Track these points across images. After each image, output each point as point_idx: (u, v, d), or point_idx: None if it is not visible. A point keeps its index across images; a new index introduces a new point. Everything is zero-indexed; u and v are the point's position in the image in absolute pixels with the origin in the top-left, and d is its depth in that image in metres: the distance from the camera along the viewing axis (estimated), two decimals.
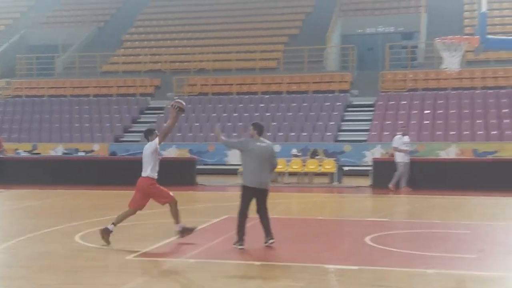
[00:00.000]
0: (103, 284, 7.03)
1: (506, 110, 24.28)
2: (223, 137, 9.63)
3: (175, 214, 9.81)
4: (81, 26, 37.09)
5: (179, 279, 7.32)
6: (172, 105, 9.85)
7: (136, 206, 9.90)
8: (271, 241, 9.15)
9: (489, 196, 15.92)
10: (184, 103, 9.84)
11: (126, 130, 27.61)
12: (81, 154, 24.40)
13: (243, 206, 9.13)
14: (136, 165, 20.43)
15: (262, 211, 9.25)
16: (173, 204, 9.88)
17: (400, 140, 17.74)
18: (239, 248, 8.89)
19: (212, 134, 25.63)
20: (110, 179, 19.37)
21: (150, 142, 10.21)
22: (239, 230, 9.04)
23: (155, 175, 10.24)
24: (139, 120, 28.35)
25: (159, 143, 10.09)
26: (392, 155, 20.49)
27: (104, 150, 25.54)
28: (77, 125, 27.95)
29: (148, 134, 10.20)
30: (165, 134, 10.05)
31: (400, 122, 23.72)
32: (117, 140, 26.77)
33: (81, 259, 8.30)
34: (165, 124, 10.01)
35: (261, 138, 9.23)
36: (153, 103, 29.40)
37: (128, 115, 28.36)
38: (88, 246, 9.27)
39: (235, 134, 25.37)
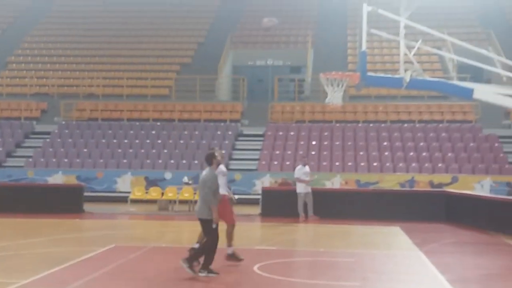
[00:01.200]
0: None
1: (386, 143, 25.60)
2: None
3: (229, 237, 10.31)
4: None
5: None
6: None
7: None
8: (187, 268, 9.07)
9: (371, 225, 16.63)
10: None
11: (9, 155, 26.38)
12: None
13: None
14: (19, 191, 19.83)
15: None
16: (230, 226, 10.35)
17: (301, 171, 18.08)
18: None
19: (101, 160, 25.06)
20: None
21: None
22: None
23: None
24: (24, 144, 27.21)
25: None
26: (281, 184, 21.01)
27: None
28: None
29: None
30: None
31: (300, 152, 24.30)
32: None
33: None
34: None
35: (207, 168, 9.50)
36: (39, 128, 28.35)
37: (12, 139, 27.16)
38: None
39: (125, 160, 24.97)
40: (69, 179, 23.70)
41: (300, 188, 17.85)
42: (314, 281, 9.07)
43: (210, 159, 9.57)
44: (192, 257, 9.30)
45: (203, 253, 9.23)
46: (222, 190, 10.19)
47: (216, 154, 9.80)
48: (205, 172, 9.48)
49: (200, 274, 9.11)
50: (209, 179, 9.31)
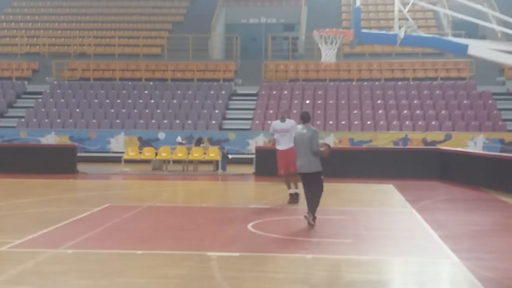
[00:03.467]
0: None
1: (380, 102, 25.54)
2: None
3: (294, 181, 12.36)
4: None
5: (56, 270, 7.10)
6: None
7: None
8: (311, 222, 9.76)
9: (365, 183, 16.72)
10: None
11: (1, 115, 26.23)
12: None
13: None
14: (12, 151, 19.78)
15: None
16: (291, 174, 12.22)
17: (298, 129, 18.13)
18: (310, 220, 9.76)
19: (94, 120, 24.95)
20: None
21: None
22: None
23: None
24: (15, 104, 27.04)
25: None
26: (274, 143, 20.98)
27: None
28: None
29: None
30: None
31: (294, 111, 24.16)
32: None
33: None
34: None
35: (302, 125, 10.20)
36: (30, 88, 28.13)
37: (3, 99, 26.96)
38: None
39: (118, 121, 24.86)
40: (62, 140, 23.64)
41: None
42: (307, 238, 9.13)
43: (308, 117, 10.34)
44: (314, 209, 9.87)
45: (319, 202, 9.95)
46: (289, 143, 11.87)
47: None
48: (303, 129, 10.10)
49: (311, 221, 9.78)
50: (314, 135, 9.96)
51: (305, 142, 9.91)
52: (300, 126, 10.33)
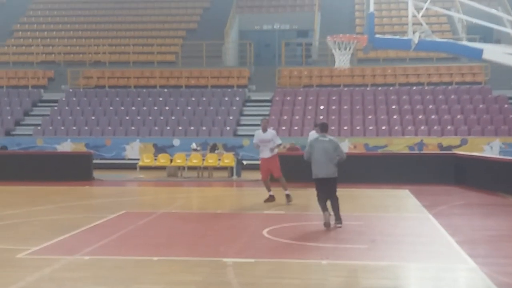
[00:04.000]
0: None
1: (394, 107, 25.45)
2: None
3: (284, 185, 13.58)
4: None
5: (73, 276, 7.14)
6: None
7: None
8: (338, 225, 10.29)
9: (380, 188, 16.64)
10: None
11: (17, 123, 26.48)
12: None
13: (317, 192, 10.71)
14: (28, 159, 19.93)
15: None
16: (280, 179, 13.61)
17: (312, 135, 18.20)
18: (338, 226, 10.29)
19: (110, 128, 25.11)
20: (0, 174, 18.53)
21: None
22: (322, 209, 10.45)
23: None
24: (32, 113, 27.28)
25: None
26: (289, 149, 21.00)
27: None
28: None
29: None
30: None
31: (308, 117, 24.41)
32: (8, 133, 25.61)
33: None
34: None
35: (324, 135, 10.69)
36: (46, 96, 28.38)
37: (20, 107, 27.21)
38: None
39: (133, 128, 24.99)
40: (78, 147, 23.80)
41: None
42: (323, 244, 9.10)
43: (327, 127, 10.95)
44: (339, 215, 10.42)
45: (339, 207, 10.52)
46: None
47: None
48: (323, 138, 10.60)
49: (338, 225, 10.31)
50: (338, 146, 10.67)
51: (329, 151, 10.47)
52: (318, 136, 10.89)
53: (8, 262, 7.83)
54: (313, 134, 18.38)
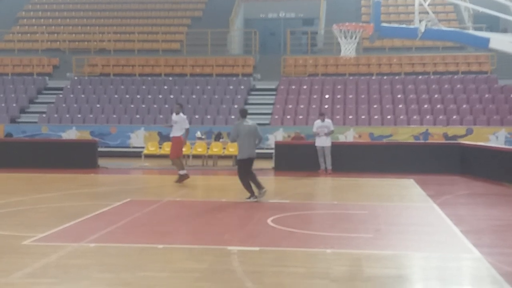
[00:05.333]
0: None
1: (400, 96, 25.38)
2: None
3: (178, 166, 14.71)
4: None
5: (78, 263, 7.18)
6: None
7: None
8: (263, 190, 11.83)
9: (385, 177, 16.63)
10: None
11: (22, 111, 26.52)
12: None
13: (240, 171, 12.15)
14: (33, 147, 19.97)
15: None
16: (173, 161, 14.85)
17: (317, 125, 18.29)
18: (254, 201, 11.75)
19: (114, 116, 25.13)
20: (6, 162, 18.59)
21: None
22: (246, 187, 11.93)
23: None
24: (37, 100, 27.31)
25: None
26: (294, 138, 21.01)
27: None
28: None
29: None
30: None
31: (313, 106, 24.38)
32: (13, 121, 25.66)
33: None
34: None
35: (244, 120, 12.08)
36: (51, 83, 28.40)
37: (25, 95, 27.25)
38: None
39: (138, 116, 25.01)
40: (83, 135, 23.84)
41: (317, 142, 18.06)
42: (327, 233, 9.12)
43: (247, 113, 12.39)
44: (259, 183, 11.96)
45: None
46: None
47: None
48: (250, 123, 12.07)
49: (263, 190, 11.87)
50: (257, 128, 12.17)
51: (252, 134, 11.94)
52: (242, 120, 12.18)
53: (14, 248, 7.87)
54: (318, 123, 18.41)
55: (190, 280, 6.55)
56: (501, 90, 25.29)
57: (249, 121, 12.11)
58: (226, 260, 7.34)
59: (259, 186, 11.86)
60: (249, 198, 11.95)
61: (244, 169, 11.97)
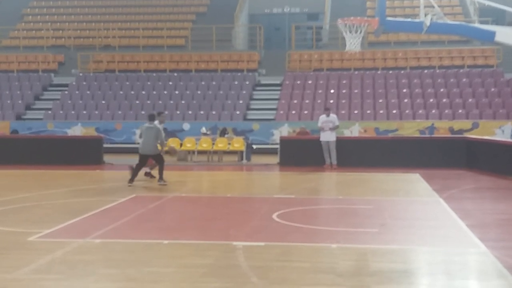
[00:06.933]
0: (3, 267, 6.80)
1: (405, 90, 25.30)
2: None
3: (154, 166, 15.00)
4: None
5: (84, 259, 7.18)
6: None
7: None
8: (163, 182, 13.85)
9: (390, 172, 16.59)
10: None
11: (28, 107, 26.58)
12: None
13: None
14: (39, 143, 20.02)
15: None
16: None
17: (322, 120, 18.27)
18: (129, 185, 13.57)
19: (120, 112, 25.16)
20: (12, 158, 18.65)
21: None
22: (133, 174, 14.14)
23: None
24: (42, 97, 27.37)
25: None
26: (299, 133, 20.98)
27: (5, 128, 24.46)
28: None
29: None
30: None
31: (318, 101, 24.37)
32: (18, 117, 25.73)
33: None
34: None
35: (155, 122, 14.42)
36: (57, 80, 28.45)
37: (30, 92, 27.31)
38: None
39: (143, 112, 25.03)
40: (88, 131, 23.87)
41: (321, 137, 18.04)
42: (333, 228, 9.10)
43: (154, 117, 14.70)
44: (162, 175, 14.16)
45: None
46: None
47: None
48: (153, 125, 14.27)
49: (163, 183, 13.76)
50: (159, 130, 14.33)
51: (152, 135, 14.17)
52: (148, 123, 14.37)
53: (20, 244, 7.89)
54: (323, 118, 18.38)
55: (196, 275, 6.55)
56: (507, 83, 25.18)
57: (154, 125, 14.34)
58: (231, 256, 7.33)
59: (160, 177, 14.09)
60: (130, 181, 13.92)
61: (140, 161, 14.34)
